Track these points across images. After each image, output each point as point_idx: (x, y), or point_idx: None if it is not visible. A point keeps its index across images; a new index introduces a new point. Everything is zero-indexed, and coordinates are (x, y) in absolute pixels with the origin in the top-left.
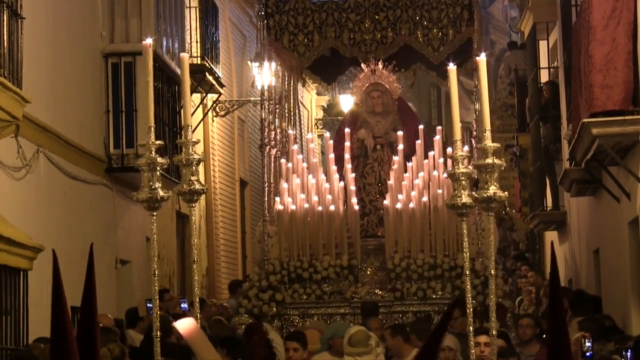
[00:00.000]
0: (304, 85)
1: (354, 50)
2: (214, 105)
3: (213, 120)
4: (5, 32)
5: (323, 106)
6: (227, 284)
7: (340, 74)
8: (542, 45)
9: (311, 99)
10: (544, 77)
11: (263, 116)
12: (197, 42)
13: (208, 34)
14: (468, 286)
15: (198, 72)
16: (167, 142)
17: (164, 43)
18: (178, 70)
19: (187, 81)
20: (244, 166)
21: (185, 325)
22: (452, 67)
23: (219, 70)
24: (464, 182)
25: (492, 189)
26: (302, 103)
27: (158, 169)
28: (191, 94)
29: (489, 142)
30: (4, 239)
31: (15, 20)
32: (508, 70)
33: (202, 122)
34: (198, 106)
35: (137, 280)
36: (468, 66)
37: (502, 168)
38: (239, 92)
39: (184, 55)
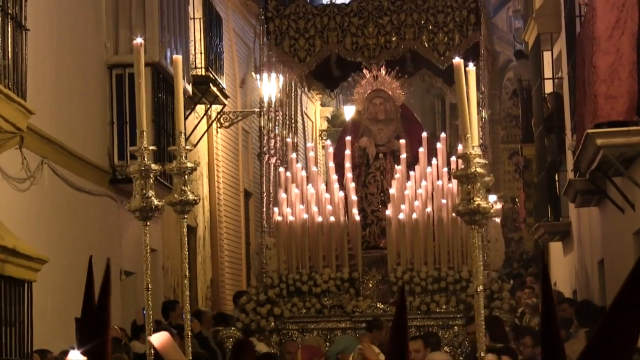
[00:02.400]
0: (307, 91)
1: (356, 56)
2: (218, 116)
3: (217, 131)
4: (9, 44)
5: (327, 117)
6: (231, 295)
7: (343, 80)
8: (547, 56)
9: (315, 110)
10: (548, 87)
11: (262, 124)
12: (201, 53)
13: (212, 45)
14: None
15: (202, 83)
16: (172, 154)
17: (168, 54)
18: (182, 82)
19: (180, 85)
20: (248, 177)
21: (158, 339)
22: (457, 61)
23: (223, 82)
24: (477, 184)
25: (477, 201)
26: (306, 114)
27: (151, 176)
28: (195, 105)
29: (470, 149)
30: (8, 250)
31: (20, 32)
32: (515, 79)
33: (206, 133)
34: (202, 117)
35: (142, 291)
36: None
37: (486, 178)
38: (243, 103)
39: (177, 57)
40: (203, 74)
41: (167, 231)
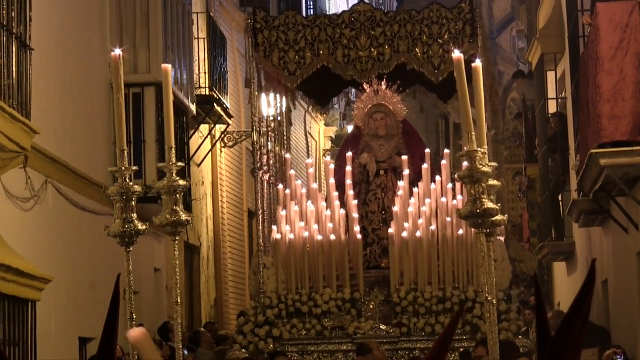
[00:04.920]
0: (311, 111)
1: (348, 69)
2: (222, 135)
3: (221, 151)
4: (14, 63)
5: (331, 137)
6: (235, 315)
7: (334, 95)
8: (550, 76)
9: (319, 130)
10: (552, 107)
11: (254, 139)
12: (205, 73)
13: (216, 65)
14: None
15: (206, 102)
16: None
17: (172, 74)
18: (186, 101)
19: (169, 96)
20: (251, 196)
21: (134, 333)
22: (457, 55)
23: (227, 101)
24: (483, 184)
25: (485, 202)
26: (310, 133)
27: (133, 198)
28: (199, 125)
29: (474, 146)
30: (12, 269)
31: (24, 51)
32: (519, 98)
33: (210, 153)
34: (206, 137)
35: (146, 310)
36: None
37: (491, 178)
38: (247, 122)
39: (166, 66)
40: (207, 93)
41: (170, 250)
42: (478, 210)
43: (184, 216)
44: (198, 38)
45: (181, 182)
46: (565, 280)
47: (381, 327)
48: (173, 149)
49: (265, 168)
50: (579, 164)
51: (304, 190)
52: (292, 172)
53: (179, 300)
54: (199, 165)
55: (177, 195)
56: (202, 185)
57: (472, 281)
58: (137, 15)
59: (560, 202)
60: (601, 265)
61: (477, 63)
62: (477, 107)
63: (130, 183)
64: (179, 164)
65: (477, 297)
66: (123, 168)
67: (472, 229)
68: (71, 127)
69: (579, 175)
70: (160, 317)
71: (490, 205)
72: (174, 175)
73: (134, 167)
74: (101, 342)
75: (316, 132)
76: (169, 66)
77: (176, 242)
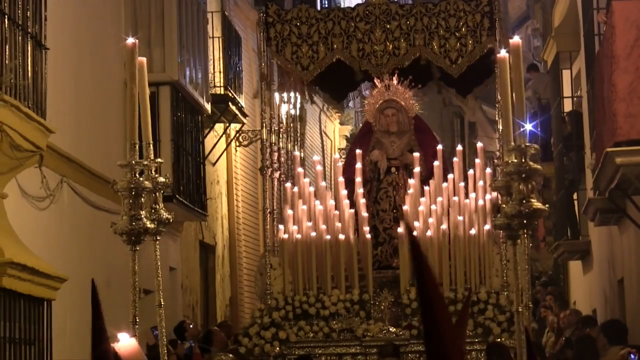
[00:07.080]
0: (326, 110)
1: (363, 63)
2: (237, 135)
3: (236, 150)
4: (29, 63)
5: (346, 136)
6: (250, 314)
7: (351, 90)
8: (566, 74)
9: (334, 129)
10: (568, 106)
11: (264, 136)
12: (220, 72)
13: (231, 64)
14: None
15: (221, 102)
16: (191, 173)
17: (187, 73)
18: (201, 100)
19: (145, 90)
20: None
21: (125, 346)
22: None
23: (242, 100)
24: (533, 183)
25: (534, 203)
26: (325, 132)
27: (143, 195)
28: (214, 124)
29: (525, 142)
30: (28, 268)
31: (40, 51)
32: (534, 97)
33: (225, 152)
34: (221, 136)
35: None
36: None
37: (541, 176)
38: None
39: (142, 60)
40: (222, 92)
41: (186, 250)
42: (527, 210)
43: (165, 214)
44: (213, 37)
45: (161, 178)
46: (581, 279)
47: (390, 329)
48: (151, 145)
49: (275, 166)
50: (595, 163)
51: (312, 189)
52: (300, 170)
53: (162, 302)
54: (214, 164)
55: (157, 194)
56: (217, 185)
57: (485, 282)
58: (152, 15)
59: (576, 201)
60: (617, 264)
61: (503, 54)
62: (502, 101)
63: (141, 178)
64: (159, 160)
65: (489, 299)
66: (134, 162)
67: (485, 229)
68: (87, 127)
69: (595, 174)
70: (176, 315)
71: (539, 205)
72: (153, 172)
73: (145, 162)
74: (93, 350)
75: (331, 131)
76: (143, 59)
77: (157, 242)
